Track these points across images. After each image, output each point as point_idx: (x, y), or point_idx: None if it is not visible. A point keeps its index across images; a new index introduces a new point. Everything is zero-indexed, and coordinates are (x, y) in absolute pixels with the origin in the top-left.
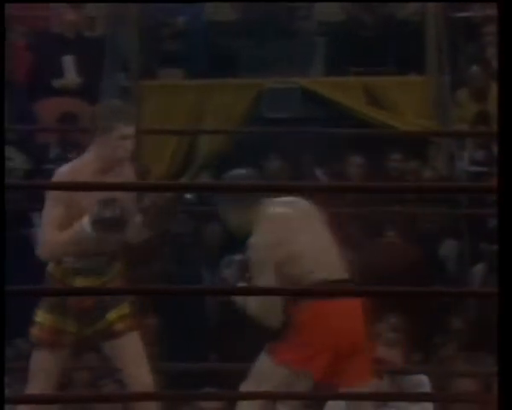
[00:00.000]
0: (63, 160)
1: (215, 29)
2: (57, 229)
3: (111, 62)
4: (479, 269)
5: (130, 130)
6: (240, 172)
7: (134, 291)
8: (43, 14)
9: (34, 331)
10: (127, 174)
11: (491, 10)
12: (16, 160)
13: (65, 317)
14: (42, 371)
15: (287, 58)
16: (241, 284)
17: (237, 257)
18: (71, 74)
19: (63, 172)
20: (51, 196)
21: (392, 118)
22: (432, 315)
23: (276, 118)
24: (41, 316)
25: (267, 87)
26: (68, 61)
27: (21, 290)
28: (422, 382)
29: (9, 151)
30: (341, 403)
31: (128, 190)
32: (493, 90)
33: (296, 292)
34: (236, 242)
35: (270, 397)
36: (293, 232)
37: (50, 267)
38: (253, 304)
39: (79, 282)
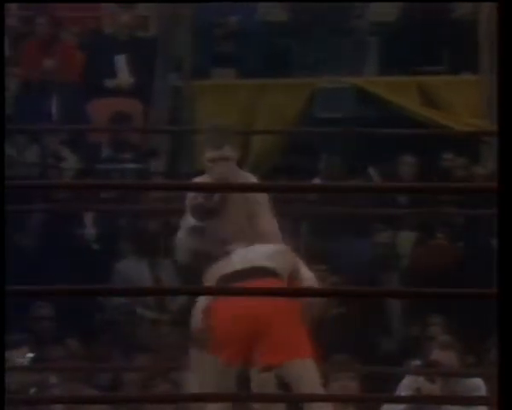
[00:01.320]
0: (115, 160)
1: (268, 29)
2: None
3: (163, 62)
4: None
5: (216, 153)
6: None
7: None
8: (95, 15)
9: None
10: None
11: None
12: (69, 159)
13: None
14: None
15: (340, 58)
16: None
17: None
18: (123, 74)
19: None
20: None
21: (445, 118)
22: (485, 316)
23: (330, 118)
24: None
25: (320, 87)
26: (121, 61)
27: (22, 290)
28: (478, 385)
29: (62, 151)
30: None
31: (129, 189)
32: None
33: (295, 293)
34: None
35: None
36: None
37: None
38: None
39: None
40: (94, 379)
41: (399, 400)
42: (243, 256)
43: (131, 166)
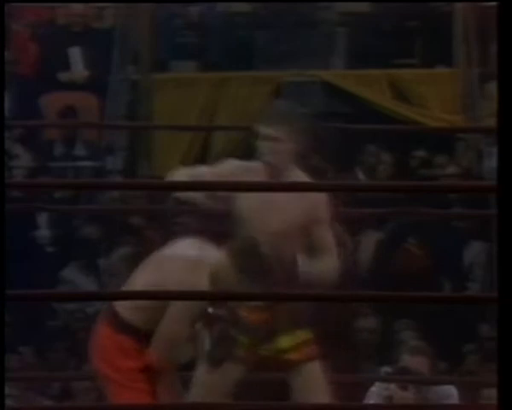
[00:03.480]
0: (70, 157)
1: (230, 20)
2: None
3: (120, 55)
4: None
5: (268, 131)
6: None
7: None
8: (49, 5)
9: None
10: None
11: None
12: (22, 157)
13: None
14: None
15: (306, 50)
16: None
17: None
18: (78, 67)
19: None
20: None
21: (418, 113)
22: (458, 322)
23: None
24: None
25: (286, 80)
26: (75, 54)
27: (22, 295)
28: (450, 393)
29: (15, 148)
30: None
31: (124, 189)
32: None
33: (295, 296)
34: None
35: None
36: None
37: None
38: None
39: None
40: (49, 389)
41: (369, 408)
42: None
43: (87, 163)
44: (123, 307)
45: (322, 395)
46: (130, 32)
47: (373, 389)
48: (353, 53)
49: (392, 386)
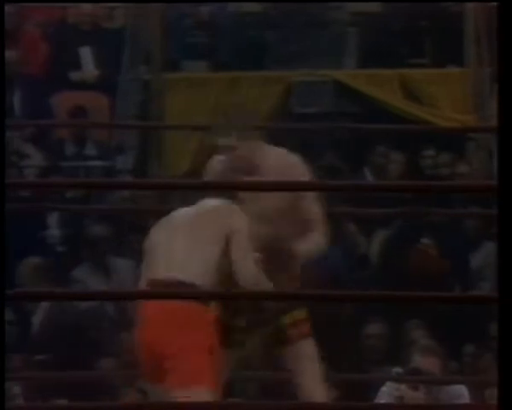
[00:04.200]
0: (80, 157)
1: (241, 20)
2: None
3: (131, 54)
4: None
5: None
6: None
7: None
8: (59, 4)
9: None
10: None
11: None
12: (33, 157)
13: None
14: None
15: (317, 50)
16: None
17: None
18: (89, 67)
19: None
20: None
21: (428, 112)
22: (468, 322)
23: (306, 113)
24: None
25: (296, 80)
26: (86, 53)
27: (22, 294)
28: (461, 393)
29: (26, 148)
30: None
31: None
32: None
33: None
34: None
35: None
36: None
37: None
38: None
39: None
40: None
41: (380, 408)
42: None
43: (97, 163)
44: (190, 275)
45: (315, 372)
46: (141, 32)
47: (384, 389)
48: (364, 53)
49: (403, 386)
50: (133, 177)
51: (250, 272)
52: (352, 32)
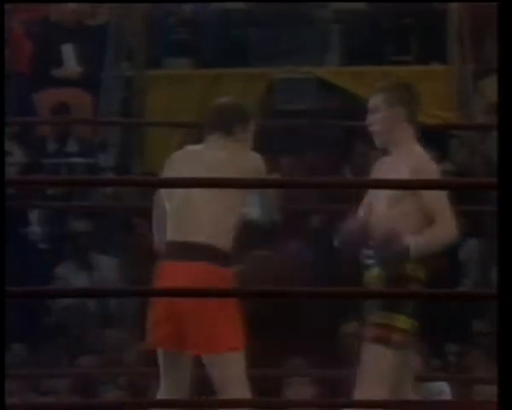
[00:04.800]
0: (61, 153)
1: (224, 18)
2: None
3: (114, 51)
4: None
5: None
6: None
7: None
8: (42, 2)
9: (394, 336)
10: None
11: None
12: (15, 154)
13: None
14: (386, 374)
15: (301, 47)
16: None
17: None
18: (71, 64)
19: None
20: None
21: None
22: (452, 319)
23: (289, 110)
24: (404, 322)
25: (279, 77)
26: (69, 50)
27: (22, 292)
28: (442, 389)
29: (8, 145)
30: None
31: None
32: None
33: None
34: None
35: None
36: None
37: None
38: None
39: None
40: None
41: (360, 404)
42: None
43: (79, 160)
44: (218, 239)
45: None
46: (124, 29)
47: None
48: (348, 50)
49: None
50: (115, 174)
51: None
52: (335, 29)
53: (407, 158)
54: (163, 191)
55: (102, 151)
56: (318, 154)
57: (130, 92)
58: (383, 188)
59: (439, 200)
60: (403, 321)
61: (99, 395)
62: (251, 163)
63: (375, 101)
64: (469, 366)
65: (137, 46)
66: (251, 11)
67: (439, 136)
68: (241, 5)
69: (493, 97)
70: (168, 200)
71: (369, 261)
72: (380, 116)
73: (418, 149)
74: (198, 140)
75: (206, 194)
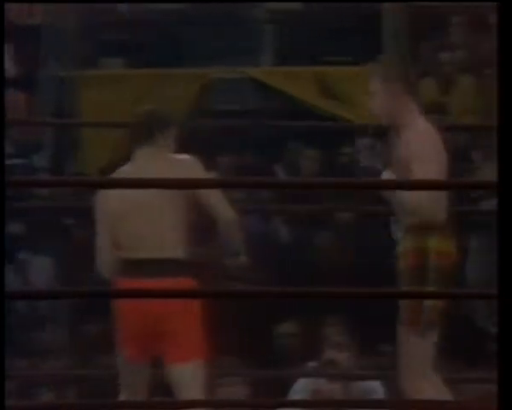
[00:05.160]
0: None
1: (160, 18)
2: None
3: (49, 52)
4: None
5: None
6: None
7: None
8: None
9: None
10: None
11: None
12: None
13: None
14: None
15: (235, 47)
16: None
17: None
18: (6, 64)
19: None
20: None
21: (345, 110)
22: (383, 318)
23: (226, 110)
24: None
25: (214, 78)
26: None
27: (21, 293)
28: (374, 388)
29: None
30: None
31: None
32: (459, 80)
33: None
34: None
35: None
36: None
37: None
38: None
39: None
40: None
41: (296, 404)
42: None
43: (14, 161)
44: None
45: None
46: (59, 29)
47: (296, 386)
48: (282, 51)
49: (321, 380)
50: (50, 174)
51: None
52: (269, 29)
53: (413, 135)
54: (105, 209)
55: (36, 152)
56: (254, 153)
57: (65, 92)
58: (382, 189)
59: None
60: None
61: (34, 398)
62: (192, 172)
63: (372, 85)
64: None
65: (72, 46)
66: (186, 12)
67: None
68: (176, 5)
69: (430, 97)
70: (114, 217)
71: (397, 235)
72: (379, 99)
73: (422, 122)
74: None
75: (159, 206)
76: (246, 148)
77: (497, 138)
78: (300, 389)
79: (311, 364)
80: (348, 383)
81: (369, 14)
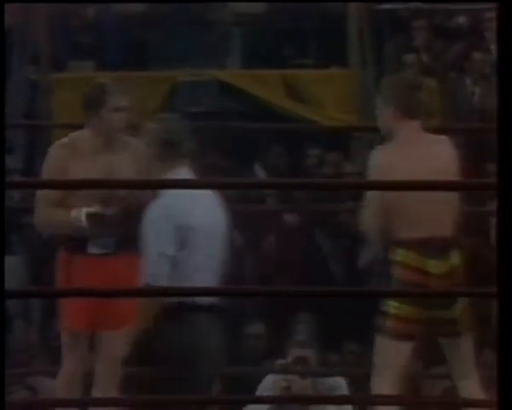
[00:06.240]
0: None
1: (126, 20)
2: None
3: (19, 54)
4: None
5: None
6: None
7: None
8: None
9: (388, 323)
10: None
11: (420, 4)
12: None
13: (414, 305)
14: (392, 363)
15: (202, 50)
16: None
17: None
18: None
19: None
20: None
21: (312, 112)
22: (348, 315)
23: (191, 112)
24: (395, 307)
25: (180, 80)
26: None
27: (21, 291)
28: (339, 384)
29: None
30: None
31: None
32: (424, 83)
33: (289, 293)
34: None
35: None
36: None
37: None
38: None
39: (432, 265)
40: None
41: (264, 400)
42: None
43: None
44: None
45: (473, 366)
46: (29, 32)
47: (264, 383)
48: (248, 53)
49: (291, 376)
50: (22, 176)
51: None
52: (236, 32)
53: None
54: None
55: (9, 153)
56: (220, 155)
57: (36, 95)
58: (383, 189)
59: None
60: (392, 306)
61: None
62: None
63: (377, 104)
64: (366, 363)
65: (42, 49)
66: (152, 14)
67: (339, 137)
68: (142, 8)
69: None
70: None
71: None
72: (380, 119)
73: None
74: None
75: None
76: (212, 150)
77: (497, 138)
78: (269, 385)
79: (281, 361)
80: (315, 379)
81: (334, 16)
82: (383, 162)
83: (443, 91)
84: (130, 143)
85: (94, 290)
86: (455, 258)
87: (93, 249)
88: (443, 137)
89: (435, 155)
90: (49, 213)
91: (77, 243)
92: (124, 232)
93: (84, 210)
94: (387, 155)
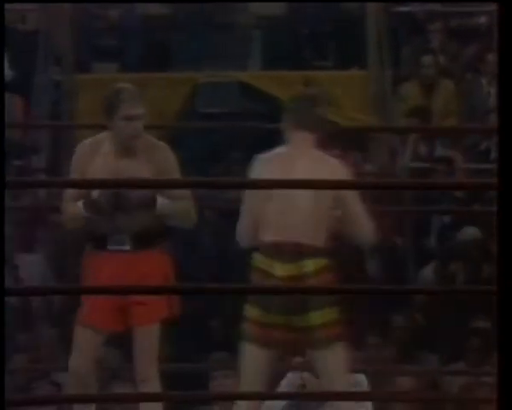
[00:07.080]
0: None
1: (149, 22)
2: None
3: (44, 56)
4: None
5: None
6: None
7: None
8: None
9: (245, 327)
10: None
11: (436, 6)
12: None
13: (270, 310)
14: (252, 368)
15: (223, 52)
16: None
17: None
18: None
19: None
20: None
21: (331, 112)
22: (370, 313)
23: (212, 113)
24: (249, 311)
25: (202, 81)
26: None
27: (21, 290)
28: (360, 380)
29: None
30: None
31: (131, 187)
32: (441, 84)
33: (287, 290)
34: None
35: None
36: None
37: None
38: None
39: (277, 267)
40: None
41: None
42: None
43: (12, 162)
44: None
45: (343, 378)
46: (53, 35)
47: (284, 381)
48: (269, 55)
49: (305, 374)
50: (47, 176)
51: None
52: (256, 34)
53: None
54: None
55: (34, 153)
56: (242, 155)
57: (61, 96)
58: (372, 188)
59: None
60: (248, 310)
61: (32, 392)
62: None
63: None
64: (387, 359)
65: (66, 51)
66: (175, 16)
67: (359, 138)
68: (165, 10)
69: (411, 101)
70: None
71: None
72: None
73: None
74: None
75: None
76: (234, 150)
77: (497, 138)
78: (287, 383)
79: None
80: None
81: (353, 18)
82: (260, 170)
83: (459, 92)
84: (152, 148)
85: (94, 289)
86: (309, 265)
87: (111, 246)
88: (333, 160)
89: (307, 172)
90: (68, 208)
91: (98, 239)
92: (143, 229)
93: (82, 199)
94: (264, 162)
